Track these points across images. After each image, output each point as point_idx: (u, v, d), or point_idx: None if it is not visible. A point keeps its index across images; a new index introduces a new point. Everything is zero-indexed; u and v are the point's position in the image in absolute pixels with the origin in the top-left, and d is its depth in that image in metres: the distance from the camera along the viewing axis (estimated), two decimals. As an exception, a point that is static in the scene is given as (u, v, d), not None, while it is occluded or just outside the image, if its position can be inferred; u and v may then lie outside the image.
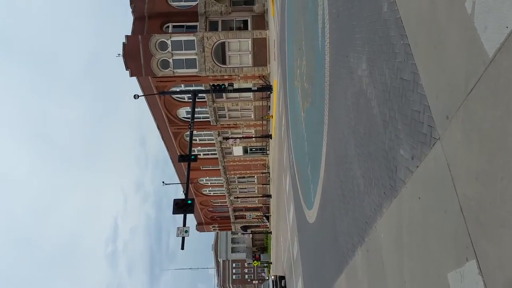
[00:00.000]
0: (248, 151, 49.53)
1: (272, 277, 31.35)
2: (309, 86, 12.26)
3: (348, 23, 6.89)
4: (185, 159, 24.96)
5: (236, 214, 65.43)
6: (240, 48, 33.80)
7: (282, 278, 28.94)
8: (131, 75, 34.04)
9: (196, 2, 34.61)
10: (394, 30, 4.79)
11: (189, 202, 22.03)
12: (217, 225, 68.82)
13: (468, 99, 3.33)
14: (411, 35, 4.38)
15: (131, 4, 35.25)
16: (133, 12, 35.16)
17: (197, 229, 67.79)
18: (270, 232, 57.88)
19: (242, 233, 73.28)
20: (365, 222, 6.59)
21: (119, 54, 33.57)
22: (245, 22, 35.14)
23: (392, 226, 5.37)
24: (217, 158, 48.01)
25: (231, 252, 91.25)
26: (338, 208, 8.62)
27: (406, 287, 4.98)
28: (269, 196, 52.12)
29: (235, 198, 59.06)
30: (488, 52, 3.05)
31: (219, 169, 50.76)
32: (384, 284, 5.84)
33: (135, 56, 33.13)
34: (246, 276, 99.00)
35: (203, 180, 56.49)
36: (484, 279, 3.24)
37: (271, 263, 62.57)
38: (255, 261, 57.31)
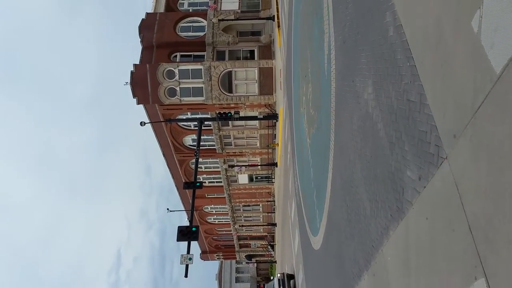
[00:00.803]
0: (254, 179, 49.41)
1: (278, 275, 24.34)
2: (315, 112, 12.40)
3: (354, 48, 7.07)
4: (190, 186, 25.01)
5: (241, 242, 64.49)
6: (246, 77, 34.41)
7: (291, 277, 23.04)
8: (138, 103, 34.59)
9: (204, 33, 35.58)
10: (401, 52, 4.91)
11: (194, 229, 21.89)
12: (221, 254, 67.74)
13: (476, 117, 3.38)
14: (418, 56, 4.49)
15: (140, 34, 36.29)
16: (141, 41, 36.16)
17: (201, 258, 66.72)
18: (275, 261, 56.77)
19: (246, 262, 71.88)
20: (372, 246, 6.51)
21: (126, 82, 34.27)
22: (252, 52, 35.94)
23: (399, 248, 5.31)
24: (222, 186, 47.90)
25: (235, 282, 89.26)
26: (344, 233, 8.53)
27: (415, 312, 4.87)
28: (274, 224, 51.51)
29: (240, 226, 58.41)
30: (496, 69, 3.12)
31: (224, 197, 50.52)
32: (392, 310, 5.70)
33: (142, 84, 33.79)
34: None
35: (208, 208, 56.12)
36: (495, 299, 3.18)
37: (275, 294, 60.96)
38: (259, 292, 55.92)
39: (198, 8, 40.21)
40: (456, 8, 3.71)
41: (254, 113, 35.97)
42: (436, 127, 4.11)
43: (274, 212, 51.46)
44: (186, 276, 22.25)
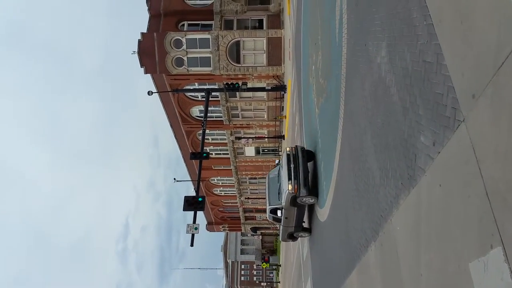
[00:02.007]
0: (260, 152, 49.35)
1: (288, 149, 15.33)
2: (325, 81, 12.07)
3: (367, 10, 6.71)
4: (196, 157, 24.97)
5: (246, 215, 65.26)
6: (254, 47, 33.73)
7: (306, 150, 15.28)
8: (146, 72, 34.25)
9: (212, 1, 34.69)
10: (417, 11, 4.60)
11: (200, 199, 21.99)
12: (227, 226, 68.74)
13: (499, 74, 3.13)
14: (435, 14, 4.19)
15: (147, 2, 35.50)
16: (149, 9, 35.40)
17: (207, 229, 67.82)
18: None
19: (251, 235, 73.02)
20: (380, 216, 6.38)
21: (134, 51, 33.83)
22: (261, 21, 35.07)
23: (409, 217, 5.16)
24: (229, 158, 47.96)
25: (240, 254, 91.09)
26: (352, 203, 8.41)
27: (422, 281, 4.77)
28: (280, 197, 51.80)
29: (245, 199, 58.93)
30: (523, 20, 2.85)
31: (231, 169, 50.70)
32: (398, 279, 5.62)
33: (150, 53, 33.33)
34: (255, 278, 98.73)
35: (214, 180, 56.52)
36: (510, 267, 3.03)
37: (280, 265, 62.23)
38: (264, 263, 57.06)
39: (206, -25, 39.08)
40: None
41: (262, 84, 35.47)
42: (453, 88, 3.86)
43: (281, 185, 51.65)
44: (192, 245, 22.58)
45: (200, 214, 26.89)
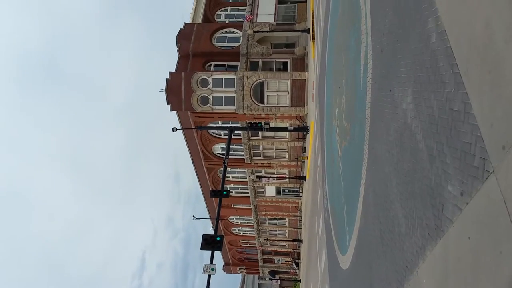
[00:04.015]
0: (281, 192, 48.93)
1: None
2: (348, 124, 12.08)
3: (393, 57, 6.80)
4: (217, 195, 24.94)
5: (265, 257, 63.73)
6: (278, 88, 34.40)
7: None
8: (172, 109, 35.28)
9: (239, 44, 35.98)
10: (443, 59, 4.63)
11: (218, 238, 21.72)
12: (244, 268, 67.13)
13: (530, 126, 3.07)
14: (462, 63, 4.20)
15: (177, 43, 37.17)
16: (178, 50, 36.99)
17: (224, 270, 66.40)
18: (299, 280, 55.65)
19: (269, 278, 70.77)
20: (405, 267, 6.12)
21: (162, 89, 35.10)
22: (285, 63, 35.97)
23: (436, 270, 4.93)
24: (249, 196, 47.72)
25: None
26: (376, 252, 8.12)
27: None
28: (300, 241, 50.61)
29: (264, 240, 57.81)
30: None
31: (250, 208, 50.27)
32: (425, 336, 5.28)
33: (176, 91, 34.49)
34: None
35: (233, 219, 56.01)
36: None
37: (298, 312, 59.68)
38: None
39: (235, 19, 40.83)
40: (509, 8, 3.42)
41: (285, 124, 35.80)
42: (482, 138, 3.79)
43: (301, 228, 50.64)
44: (208, 287, 22.05)
45: (217, 254, 26.48)
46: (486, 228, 3.73)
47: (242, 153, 40.80)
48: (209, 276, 21.59)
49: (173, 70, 35.55)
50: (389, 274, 7.01)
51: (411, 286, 5.88)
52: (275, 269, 64.72)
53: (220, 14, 41.85)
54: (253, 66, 35.69)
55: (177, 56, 36.88)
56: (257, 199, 48.36)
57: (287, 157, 41.22)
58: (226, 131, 34.75)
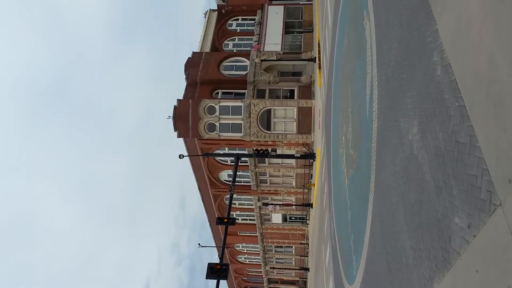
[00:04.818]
0: (288, 220, 48.44)
1: None
2: (355, 152, 12.12)
3: (399, 88, 6.92)
4: (222, 222, 24.76)
5: (271, 286, 62.41)
6: (285, 115, 34.69)
7: None
8: (179, 136, 35.60)
9: (246, 72, 36.61)
10: (449, 92, 4.73)
11: (224, 267, 21.42)
12: (250, 296, 65.69)
13: (534, 161, 3.11)
14: (467, 96, 4.29)
15: (185, 71, 37.91)
16: (186, 78, 37.68)
17: (229, 299, 64.98)
18: (305, 309, 54.22)
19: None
20: (414, 299, 6.02)
21: (169, 116, 35.54)
22: (292, 91, 36.40)
23: (446, 303, 4.85)
24: (255, 224, 47.26)
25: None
26: (383, 282, 7.99)
27: None
28: (307, 269, 49.65)
29: (271, 268, 56.77)
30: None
31: (256, 236, 49.67)
32: None
33: (184, 118, 34.89)
34: None
35: (239, 246, 55.27)
36: None
37: None
38: None
39: (242, 48, 41.70)
40: (512, 46, 3.53)
41: (291, 151, 35.86)
42: (488, 171, 3.83)
43: (307, 256, 49.77)
44: (213, 315, 21.56)
45: (222, 282, 26.02)
46: (494, 262, 3.71)
47: (249, 180, 40.73)
48: (214, 305, 21.15)
49: (181, 98, 36.10)
50: (397, 307, 6.88)
51: (420, 320, 5.76)
52: (282, 299, 63.22)
53: (228, 43, 42.81)
54: (260, 94, 36.16)
55: (185, 84, 37.55)
56: (263, 226, 47.85)
57: (293, 184, 41.05)
58: (232, 158, 34.86)
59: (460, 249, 4.41)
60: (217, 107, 34.80)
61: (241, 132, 34.81)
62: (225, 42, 42.80)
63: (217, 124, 35.10)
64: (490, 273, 3.77)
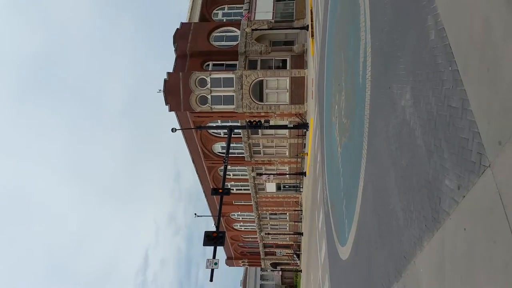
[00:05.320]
0: (281, 188, 49.18)
1: None
2: (347, 120, 12.25)
3: (392, 54, 6.95)
4: (217, 192, 25.16)
5: (266, 250, 64.12)
6: (278, 86, 34.51)
7: None
8: (170, 110, 35.33)
9: (237, 42, 36.02)
10: (442, 57, 4.78)
11: (220, 234, 21.96)
12: (246, 260, 67.58)
13: (523, 121, 3.23)
14: (461, 60, 4.36)
15: (174, 43, 37.15)
16: (175, 50, 36.98)
17: (227, 263, 66.82)
18: (300, 271, 56.10)
19: (271, 270, 71.39)
20: (403, 257, 6.31)
21: (160, 90, 35.08)
22: (284, 61, 36.05)
23: (433, 260, 5.11)
24: (249, 193, 47.93)
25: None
26: (374, 243, 8.31)
27: (449, 326, 4.66)
28: (301, 234, 50.97)
29: (266, 234, 58.15)
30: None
31: (251, 205, 50.51)
32: (424, 325, 5.48)
33: (175, 92, 34.51)
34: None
35: (234, 215, 56.26)
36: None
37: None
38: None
39: (232, 18, 40.82)
40: (507, 6, 3.56)
41: (285, 122, 35.95)
42: (479, 134, 3.96)
43: (301, 222, 50.94)
44: (211, 280, 22.32)
45: (219, 248, 26.68)
46: (481, 220, 3.90)
47: (242, 151, 40.96)
48: (212, 270, 21.87)
49: (171, 71, 35.58)
50: (387, 264, 7.21)
51: (409, 275, 6.07)
52: (277, 261, 65.22)
53: (217, 13, 41.84)
54: (252, 65, 35.77)
55: (175, 56, 36.91)
56: (258, 196, 48.58)
57: (287, 154, 41.41)
58: (225, 130, 34.88)
59: (449, 210, 4.60)
60: (208, 79, 34.43)
61: (234, 104, 34.66)
62: (214, 11, 41.81)
63: (209, 96, 34.85)
64: (477, 230, 3.97)
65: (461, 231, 4.30)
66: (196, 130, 36.98)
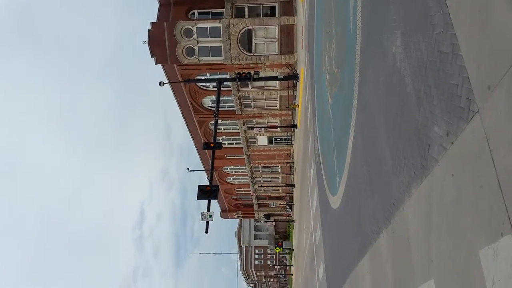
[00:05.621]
0: (273, 141, 49.49)
1: None
2: (338, 70, 12.06)
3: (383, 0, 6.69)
4: (209, 147, 25.21)
5: (260, 202, 65.80)
6: (266, 35, 33.59)
7: None
8: (157, 63, 34.41)
9: (223, -11, 34.52)
10: (433, 0, 4.61)
11: (213, 188, 22.31)
12: (240, 213, 69.49)
13: (515, 65, 3.16)
14: (452, 3, 4.20)
15: (157, -11, 35.45)
16: (158, -2, 35.39)
17: (221, 216, 68.69)
18: (293, 221, 58.04)
19: (265, 221, 73.84)
20: (392, 204, 6.47)
21: (144, 41, 33.94)
22: (273, 8, 34.85)
23: (421, 205, 5.24)
24: (241, 147, 48.23)
25: (254, 239, 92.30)
26: (364, 192, 8.49)
27: (433, 266, 4.87)
28: (293, 185, 52.10)
29: (258, 187, 59.34)
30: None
31: (243, 158, 51.01)
32: (409, 264, 5.73)
33: (160, 43, 33.42)
34: (268, 262, 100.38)
35: (227, 169, 56.97)
36: (521, 254, 3.12)
37: (293, 250, 62.87)
38: (277, 248, 57.88)
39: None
40: None
41: (274, 73, 35.40)
42: (468, 79, 3.90)
43: (293, 174, 51.88)
44: (206, 232, 22.99)
45: (214, 202, 27.26)
46: (469, 165, 3.94)
47: (233, 104, 40.63)
48: (207, 222, 22.45)
49: (155, 20, 34.23)
50: (376, 211, 7.41)
51: (397, 221, 6.25)
52: (270, 213, 67.19)
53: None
54: (239, 13, 34.53)
55: (158, 5, 35.35)
56: (249, 149, 48.95)
57: (278, 106, 41.22)
58: (215, 83, 34.33)
59: (438, 156, 4.64)
60: (194, 29, 33.30)
61: (222, 56, 33.84)
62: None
63: (196, 48, 33.89)
64: (465, 176, 4.03)
65: (449, 177, 4.37)
66: (184, 83, 36.30)
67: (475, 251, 3.77)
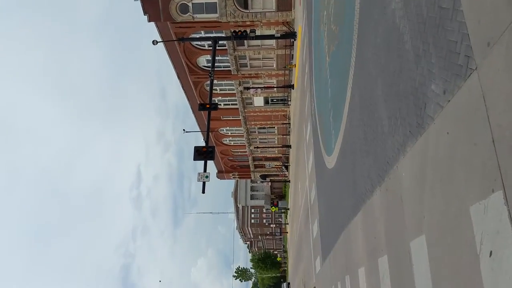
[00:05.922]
0: (269, 102, 49.17)
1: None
2: (336, 27, 11.80)
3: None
4: (205, 108, 25.05)
5: (256, 163, 66.40)
6: (263, -9, 32.48)
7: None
8: (149, 20, 33.36)
9: None
10: (435, -48, 4.43)
11: (210, 149, 22.41)
12: (236, 173, 70.26)
13: (515, 20, 3.10)
14: (455, -45, 4.05)
15: None
16: None
17: (218, 177, 69.46)
18: (289, 181, 58.94)
19: (261, 182, 74.94)
20: (387, 163, 6.55)
21: (136, -3, 32.71)
22: (270, -37, 33.44)
23: (415, 163, 5.32)
24: (237, 108, 47.94)
25: (250, 199, 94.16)
26: (359, 151, 8.58)
27: (425, 222, 5.01)
28: (289, 146, 52.42)
29: (255, 148, 59.64)
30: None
31: (240, 120, 50.87)
32: (401, 220, 5.90)
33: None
34: (264, 221, 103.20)
35: (223, 130, 56.94)
36: (509, 209, 3.20)
37: (288, 209, 64.37)
38: (273, 207, 59.24)
39: None
40: None
41: (271, 31, 34.56)
42: (468, 36, 3.83)
43: (289, 134, 52.04)
44: (203, 192, 23.35)
45: (210, 163, 27.47)
46: (464, 123, 3.96)
47: (228, 64, 39.93)
48: (204, 183, 22.75)
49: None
50: (371, 170, 7.53)
51: (391, 179, 6.37)
52: (266, 173, 68.02)
53: None
54: (235, -33, 33.12)
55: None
56: (246, 110, 48.71)
57: (274, 66, 40.60)
58: (210, 42, 33.50)
59: (434, 115, 4.65)
60: (188, -15, 32.08)
61: (217, 13, 32.84)
62: None
63: (190, 4, 32.81)
64: (460, 133, 4.06)
65: (444, 134, 4.40)
66: (178, 42, 35.38)
67: (466, 207, 3.87)
